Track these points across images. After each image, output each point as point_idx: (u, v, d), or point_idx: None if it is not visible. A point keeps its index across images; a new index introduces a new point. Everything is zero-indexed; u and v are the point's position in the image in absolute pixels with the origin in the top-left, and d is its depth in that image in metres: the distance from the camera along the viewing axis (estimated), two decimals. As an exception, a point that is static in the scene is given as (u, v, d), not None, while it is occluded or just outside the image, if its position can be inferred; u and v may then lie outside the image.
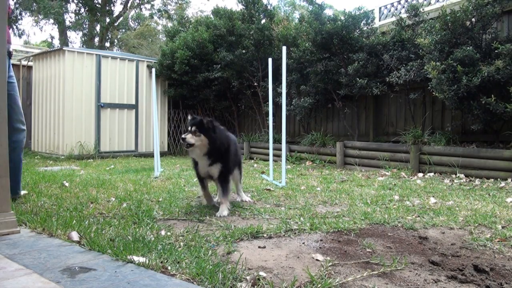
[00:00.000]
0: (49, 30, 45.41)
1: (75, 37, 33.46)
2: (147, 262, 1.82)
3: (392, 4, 7.59)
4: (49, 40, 22.74)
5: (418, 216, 2.90)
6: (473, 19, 5.09)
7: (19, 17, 19.84)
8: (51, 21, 20.24)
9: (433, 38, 5.11)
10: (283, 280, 1.70)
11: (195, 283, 1.65)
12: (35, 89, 9.23)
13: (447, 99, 5.05)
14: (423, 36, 5.34)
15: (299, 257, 2.03)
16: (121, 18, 21.24)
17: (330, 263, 1.92)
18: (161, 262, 1.84)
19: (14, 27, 20.39)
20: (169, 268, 1.79)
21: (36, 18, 20.82)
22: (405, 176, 5.23)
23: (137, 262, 1.83)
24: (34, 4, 18.17)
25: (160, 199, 3.49)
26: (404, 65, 5.78)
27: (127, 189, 4.09)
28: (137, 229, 2.42)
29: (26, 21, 35.30)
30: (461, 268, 1.87)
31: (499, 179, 4.65)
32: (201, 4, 41.85)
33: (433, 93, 5.23)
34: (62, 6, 18.43)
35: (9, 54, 3.24)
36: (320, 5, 6.79)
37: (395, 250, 2.17)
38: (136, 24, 22.34)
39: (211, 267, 1.76)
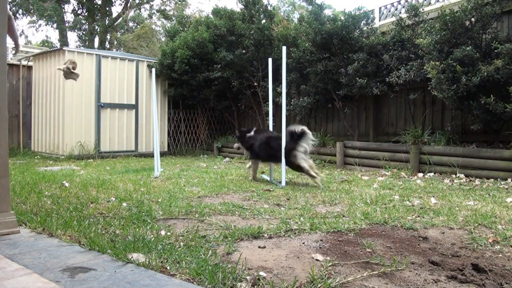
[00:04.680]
0: (45, 31, 45.52)
1: (74, 38, 33.43)
2: (147, 262, 1.82)
3: (392, 4, 7.59)
4: (45, 40, 22.74)
5: (418, 216, 2.90)
6: (472, 19, 5.09)
7: (17, 16, 19.85)
8: (48, 22, 20.28)
9: (432, 38, 5.11)
10: (283, 280, 1.70)
11: (195, 283, 1.65)
12: (35, 89, 9.23)
13: (446, 99, 5.05)
14: (423, 36, 5.34)
15: (299, 257, 2.03)
16: (120, 19, 21.23)
17: (330, 263, 1.92)
18: (161, 262, 1.84)
19: None
20: (169, 268, 1.79)
21: (32, 19, 20.87)
22: (405, 176, 5.23)
23: (137, 262, 1.83)
24: (31, 6, 18.26)
25: (160, 199, 3.49)
26: (404, 65, 5.78)
27: (127, 189, 4.09)
28: (137, 229, 2.43)
29: (25, 22, 35.29)
30: (461, 268, 1.87)
31: (499, 179, 4.65)
32: (199, 4, 41.85)
33: (433, 93, 5.23)
34: (56, 9, 18.45)
35: None
36: (320, 5, 6.79)
37: (395, 250, 2.17)
38: (135, 24, 22.33)
39: (211, 267, 1.76)
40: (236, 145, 5.44)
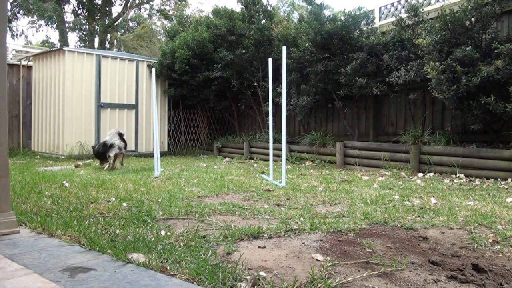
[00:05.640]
0: (45, 31, 45.59)
1: (74, 38, 33.44)
2: (147, 262, 1.82)
3: (392, 4, 7.58)
4: (45, 40, 22.73)
5: (418, 216, 2.90)
6: (472, 19, 5.09)
7: (18, 16, 19.85)
8: (48, 22, 20.30)
9: (432, 38, 5.11)
10: (283, 280, 1.70)
11: (195, 283, 1.65)
12: (35, 89, 9.23)
13: (446, 99, 5.05)
14: (423, 36, 5.34)
15: (299, 257, 2.03)
16: (120, 19, 21.22)
17: (330, 263, 1.92)
18: (161, 262, 1.84)
19: (13, 27, 20.46)
20: (169, 268, 1.79)
21: (32, 19, 20.87)
22: (405, 176, 5.23)
23: (137, 262, 1.83)
24: (31, 6, 18.29)
25: (160, 199, 3.49)
26: (404, 65, 5.78)
27: (127, 189, 4.09)
28: (137, 229, 2.43)
29: (25, 22, 35.33)
30: (461, 268, 1.87)
31: (499, 179, 4.65)
32: (199, 4, 41.81)
33: (433, 93, 5.23)
34: (56, 10, 18.47)
35: None
36: (320, 5, 6.79)
37: (395, 250, 2.17)
38: (136, 24, 22.32)
39: (211, 267, 1.76)
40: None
